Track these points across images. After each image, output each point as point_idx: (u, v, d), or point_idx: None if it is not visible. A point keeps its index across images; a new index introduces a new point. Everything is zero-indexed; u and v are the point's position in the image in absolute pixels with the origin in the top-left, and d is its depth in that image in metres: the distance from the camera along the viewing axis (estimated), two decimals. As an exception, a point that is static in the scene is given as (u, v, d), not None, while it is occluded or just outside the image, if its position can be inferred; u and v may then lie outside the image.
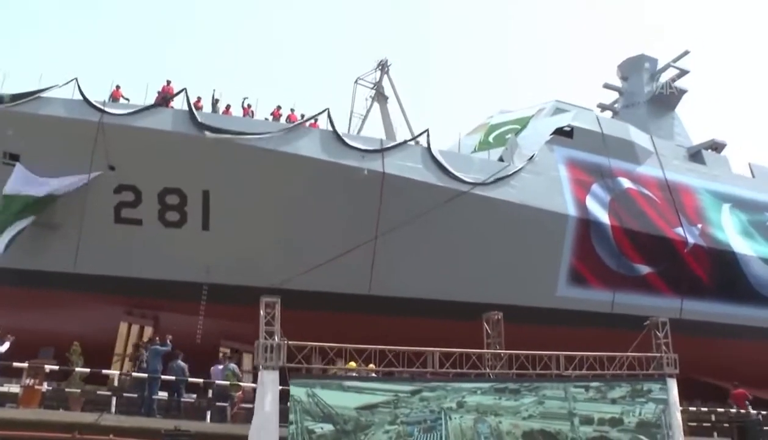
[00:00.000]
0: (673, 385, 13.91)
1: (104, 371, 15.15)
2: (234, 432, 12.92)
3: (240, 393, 14.90)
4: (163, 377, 14.61)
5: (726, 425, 17.19)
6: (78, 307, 18.22)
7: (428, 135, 19.12)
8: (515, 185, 19.56)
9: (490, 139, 23.01)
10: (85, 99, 17.35)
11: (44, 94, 17.34)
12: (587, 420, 12.90)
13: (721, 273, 22.08)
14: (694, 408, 18.06)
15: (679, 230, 21.60)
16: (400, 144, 18.93)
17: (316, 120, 18.77)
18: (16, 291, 18.09)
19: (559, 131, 21.65)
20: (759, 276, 22.63)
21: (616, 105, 29.61)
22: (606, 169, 21.48)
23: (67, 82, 17.45)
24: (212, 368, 15.40)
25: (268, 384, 11.60)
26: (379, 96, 28.36)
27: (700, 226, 22.16)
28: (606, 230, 20.48)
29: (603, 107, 29.25)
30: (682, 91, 27.48)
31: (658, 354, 14.26)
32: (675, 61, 27.51)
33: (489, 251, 19.23)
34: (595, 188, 20.94)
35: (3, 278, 18.00)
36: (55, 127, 17.17)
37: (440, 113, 78.49)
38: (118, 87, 18.61)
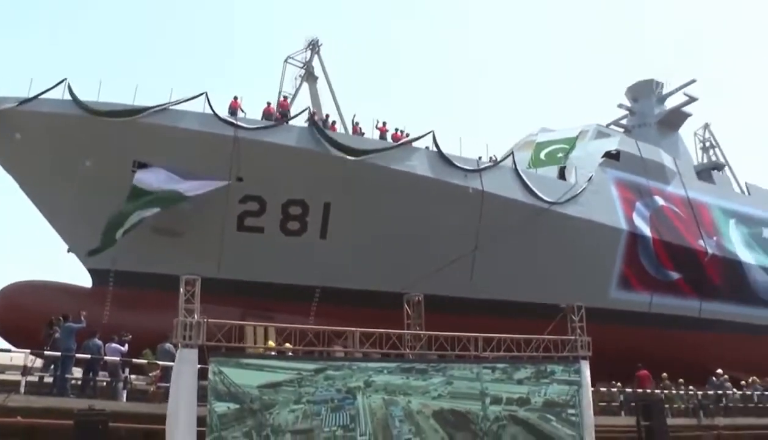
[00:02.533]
0: (585, 367, 14.80)
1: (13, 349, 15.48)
2: (151, 412, 12.82)
3: (158, 371, 14.81)
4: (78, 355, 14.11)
5: (633, 404, 18.38)
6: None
7: (434, 137, 21.18)
8: (582, 202, 23.32)
9: (542, 156, 26.55)
10: (216, 114, 19.33)
11: (174, 107, 19.21)
12: (496, 400, 13.46)
13: (731, 279, 27.02)
14: (605, 388, 19.76)
15: (701, 242, 26.26)
16: (494, 164, 22.09)
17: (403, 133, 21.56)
18: (135, 293, 19.88)
19: (607, 154, 25.63)
20: (759, 282, 27.83)
21: (623, 121, 34.15)
22: (645, 188, 25.71)
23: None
24: (106, 345, 14.75)
25: (186, 363, 11.58)
26: (309, 76, 28.56)
27: (715, 238, 26.95)
28: (648, 241, 24.71)
29: (617, 125, 33.59)
30: (687, 115, 32.39)
31: (573, 337, 15.10)
32: (681, 88, 32.22)
33: (560, 259, 22.87)
34: (638, 205, 25.10)
35: (128, 279, 19.77)
36: (189, 139, 19.04)
37: (372, 96, 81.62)
38: (236, 98, 20.66)
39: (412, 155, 20.96)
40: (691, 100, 31.45)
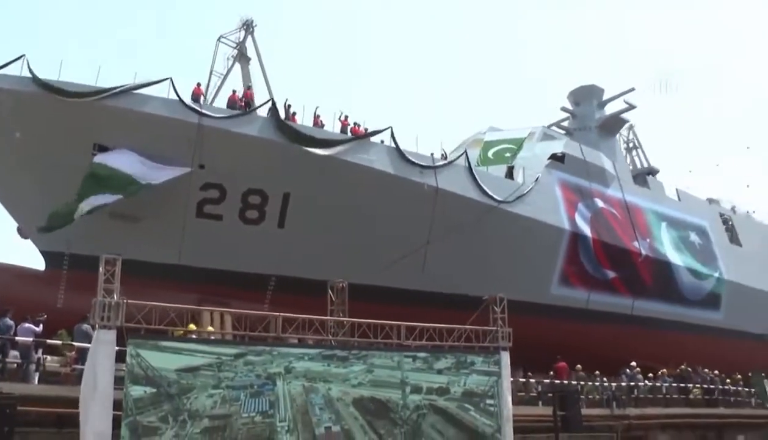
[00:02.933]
0: (505, 357, 15.26)
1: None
2: (64, 395, 12.51)
3: (73, 353, 14.45)
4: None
5: (550, 395, 18.93)
6: (152, 295, 20.34)
7: (392, 133, 21.85)
8: (528, 201, 24.61)
9: (490, 155, 27.71)
10: (181, 100, 19.53)
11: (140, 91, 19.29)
12: (417, 389, 13.70)
13: (661, 279, 28.99)
14: (523, 379, 20.73)
15: (635, 243, 28.08)
16: (449, 162, 23.06)
17: (358, 126, 22.28)
18: (91, 277, 19.84)
19: (553, 156, 27.05)
20: (686, 283, 29.94)
21: (564, 123, 35.85)
22: (586, 190, 27.27)
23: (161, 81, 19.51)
24: (18, 326, 14.39)
25: (102, 344, 11.36)
26: (241, 57, 28.24)
27: (648, 240, 28.85)
28: (588, 241, 26.27)
29: (559, 127, 35.21)
30: (626, 121, 34.34)
31: (494, 328, 15.56)
32: (620, 95, 34.11)
33: (506, 255, 24.10)
34: (580, 206, 26.63)
35: (83, 264, 19.72)
36: (153, 124, 19.17)
37: (305, 79, 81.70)
38: (198, 85, 20.88)
39: (371, 150, 21.67)
40: (630, 107, 33.34)
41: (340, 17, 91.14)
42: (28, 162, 19.30)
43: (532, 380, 21.17)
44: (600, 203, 27.58)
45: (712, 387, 26.04)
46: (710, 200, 35.84)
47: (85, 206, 18.38)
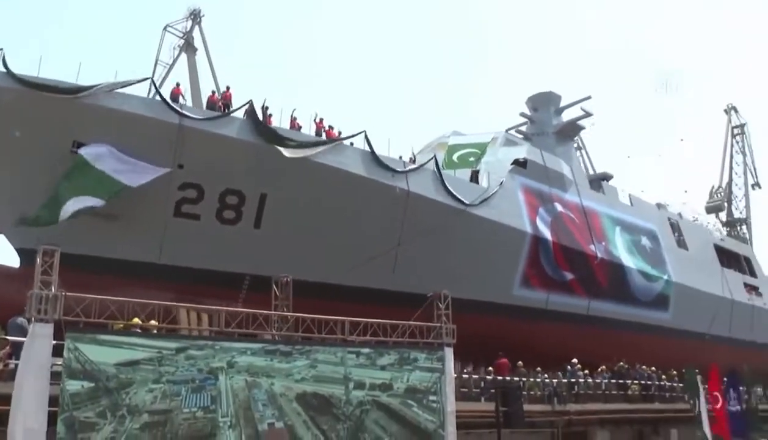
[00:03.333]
0: (449, 354, 15.53)
1: None
2: None
3: (7, 348, 14.04)
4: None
5: (492, 391, 19.20)
6: (126, 293, 20.65)
7: (366, 136, 22.63)
8: (493, 205, 25.81)
9: (455, 158, 28.74)
10: (163, 99, 19.94)
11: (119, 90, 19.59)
12: (360, 385, 13.83)
13: (614, 281, 30.69)
14: (467, 375, 20.97)
15: (592, 246, 29.66)
16: (420, 166, 24.03)
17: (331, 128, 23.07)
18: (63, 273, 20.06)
19: (516, 162, 28.35)
20: (638, 284, 31.75)
21: (523, 128, 37.36)
22: (547, 195, 28.68)
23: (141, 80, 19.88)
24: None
25: (38, 338, 11.22)
26: (188, 46, 27.94)
27: (603, 244, 30.50)
28: (548, 244, 27.67)
29: (518, 131, 36.66)
30: (582, 127, 36.03)
31: (438, 325, 15.82)
32: (577, 102, 35.78)
33: (472, 257, 25.25)
34: (541, 210, 28.01)
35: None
36: (134, 123, 19.51)
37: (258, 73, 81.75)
38: (177, 85, 21.29)
39: (345, 153, 22.47)
40: (587, 115, 35.02)
41: (298, 10, 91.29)
42: (4, 157, 19.37)
43: (475, 376, 21.52)
44: (559, 208, 29.04)
45: (648, 383, 27.15)
46: (659, 205, 37.90)
47: (69, 208, 18.64)
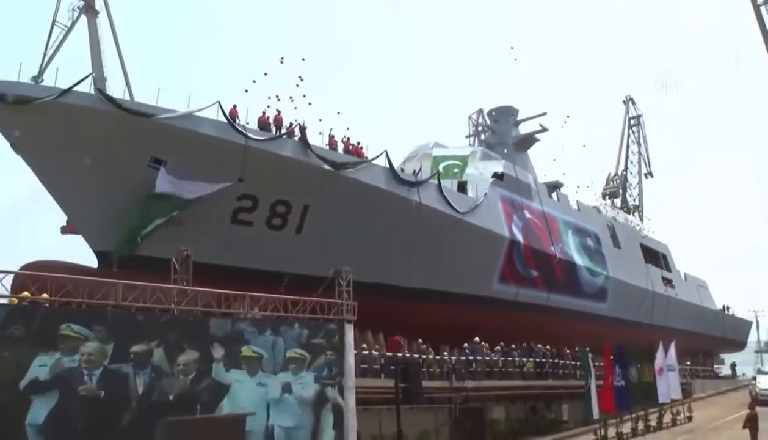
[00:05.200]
0: (350, 330, 16.05)
1: None
2: None
3: None
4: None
5: (393, 367, 19.59)
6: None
7: (388, 155, 27.60)
8: (480, 214, 31.67)
9: (441, 169, 34.32)
10: (231, 124, 24.13)
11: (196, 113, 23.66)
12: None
13: (568, 277, 37.55)
14: (366, 352, 22.17)
15: (552, 248, 36.28)
16: (427, 180, 29.38)
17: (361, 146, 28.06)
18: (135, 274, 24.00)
19: (494, 174, 34.36)
20: (585, 279, 38.84)
21: (482, 137, 43.55)
22: (518, 204, 34.93)
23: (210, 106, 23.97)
24: None
25: None
26: (89, 9, 27.03)
27: (560, 245, 37.23)
28: (521, 247, 33.94)
29: (480, 141, 42.75)
30: (537, 140, 42.62)
31: (340, 301, 16.29)
32: (533, 117, 42.31)
33: (462, 257, 31.03)
34: (515, 217, 34.23)
35: (132, 263, 23.81)
36: (206, 143, 23.63)
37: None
38: (234, 106, 25.37)
39: (372, 169, 27.51)
40: (544, 130, 41.60)
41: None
42: (91, 169, 22.96)
43: (375, 353, 22.78)
44: (527, 214, 35.40)
45: (543, 360, 30.09)
46: (597, 209, 45.39)
47: (144, 234, 22.82)
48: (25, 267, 23.31)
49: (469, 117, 45.67)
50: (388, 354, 23.02)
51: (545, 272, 35.76)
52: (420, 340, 25.23)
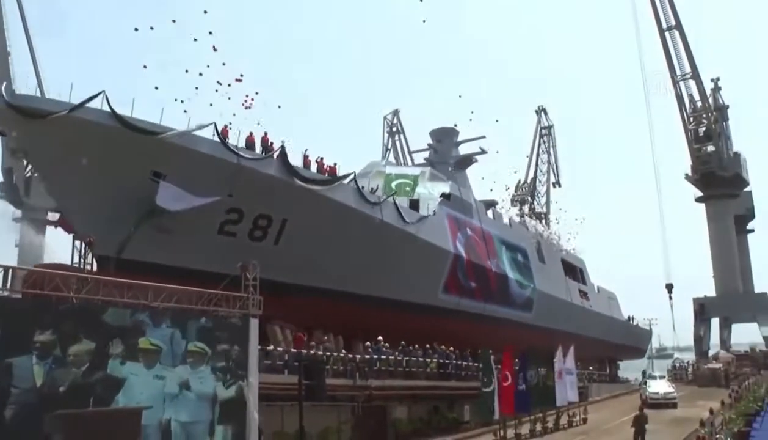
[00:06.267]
0: (255, 324, 16.15)
1: None
2: None
3: None
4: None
5: (296, 363, 20.24)
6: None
7: (355, 177, 31.95)
8: (429, 230, 36.06)
9: (393, 186, 38.46)
10: (225, 144, 27.37)
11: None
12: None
13: (501, 289, 42.63)
14: (271, 347, 22.96)
15: (488, 262, 41.22)
16: (385, 199, 33.44)
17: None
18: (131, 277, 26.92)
19: (442, 194, 38.89)
20: (515, 291, 44.09)
21: (425, 154, 48.14)
22: (462, 222, 39.63)
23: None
24: None
25: None
26: None
27: (495, 260, 42.24)
28: (463, 261, 38.63)
29: (426, 159, 47.26)
30: (475, 160, 47.54)
31: (245, 295, 16.43)
32: (473, 139, 47.20)
33: (413, 268, 35.29)
34: (459, 234, 38.91)
35: (128, 266, 26.70)
36: (201, 160, 26.81)
37: None
38: (225, 127, 28.61)
39: (343, 189, 31.36)
40: (483, 152, 46.54)
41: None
42: (96, 179, 25.69)
43: (280, 348, 23.47)
44: (469, 231, 40.20)
45: (446, 361, 31.75)
46: (525, 225, 50.93)
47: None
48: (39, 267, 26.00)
49: (384, 117, 50.59)
50: (292, 350, 23.72)
51: (482, 284, 40.64)
52: (325, 338, 27.38)
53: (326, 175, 31.18)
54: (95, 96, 25.14)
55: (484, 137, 46.97)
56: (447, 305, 38.26)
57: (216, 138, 27.30)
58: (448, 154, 47.21)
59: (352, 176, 31.89)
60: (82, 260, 19.16)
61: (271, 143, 29.52)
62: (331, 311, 30.22)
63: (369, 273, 32.74)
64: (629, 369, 76.00)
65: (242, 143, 28.95)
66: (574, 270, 57.96)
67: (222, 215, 28.29)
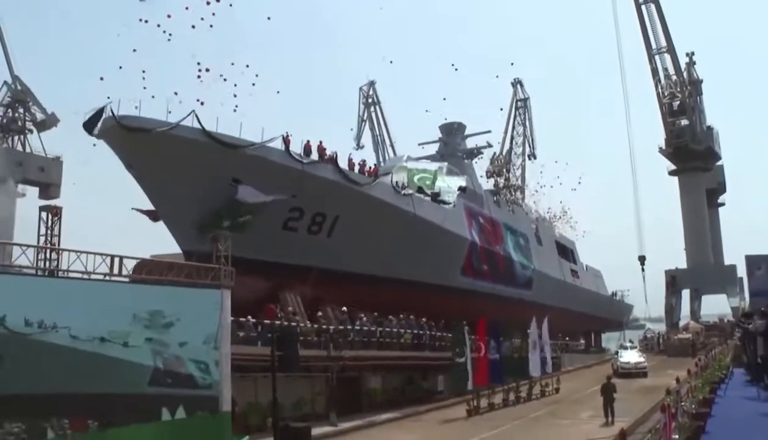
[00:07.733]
0: (227, 296, 16.25)
1: None
2: None
3: None
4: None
5: (270, 335, 19.80)
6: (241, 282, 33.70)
7: (392, 177, 39.15)
8: (450, 221, 42.34)
9: (415, 180, 44.52)
10: (290, 154, 33.16)
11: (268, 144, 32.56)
12: (141, 319, 14.46)
13: (508, 270, 49.26)
14: (244, 319, 23.43)
15: (497, 247, 47.76)
16: (419, 192, 39.57)
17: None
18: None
19: (459, 187, 45.14)
20: (518, 272, 50.78)
21: (434, 145, 54.33)
22: (475, 211, 45.95)
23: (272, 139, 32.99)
24: None
25: None
26: None
27: (503, 245, 48.81)
28: (477, 247, 45.04)
29: (437, 152, 53.43)
30: (481, 153, 53.94)
31: (217, 266, 16.46)
32: (479, 133, 53.52)
33: (437, 254, 41.60)
34: (473, 223, 45.28)
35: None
36: (274, 167, 32.55)
37: None
38: (287, 134, 34.38)
39: (383, 186, 37.39)
40: (489, 146, 52.90)
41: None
42: (186, 186, 31.32)
43: (252, 320, 23.90)
44: (481, 220, 46.59)
45: (420, 332, 32.98)
46: (525, 211, 57.60)
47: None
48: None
49: (360, 88, 54.83)
50: (265, 321, 24.43)
51: (492, 266, 47.18)
52: (290, 308, 29.21)
53: (355, 171, 36.81)
54: (188, 115, 30.83)
55: (489, 131, 53.30)
56: (464, 286, 44.64)
57: (281, 147, 33.10)
58: (456, 147, 53.39)
59: (389, 175, 37.86)
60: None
61: (325, 149, 35.41)
62: (370, 293, 36.28)
63: (403, 260, 38.89)
64: (611, 341, 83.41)
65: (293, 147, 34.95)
66: (565, 251, 65.07)
67: (286, 213, 34.12)
